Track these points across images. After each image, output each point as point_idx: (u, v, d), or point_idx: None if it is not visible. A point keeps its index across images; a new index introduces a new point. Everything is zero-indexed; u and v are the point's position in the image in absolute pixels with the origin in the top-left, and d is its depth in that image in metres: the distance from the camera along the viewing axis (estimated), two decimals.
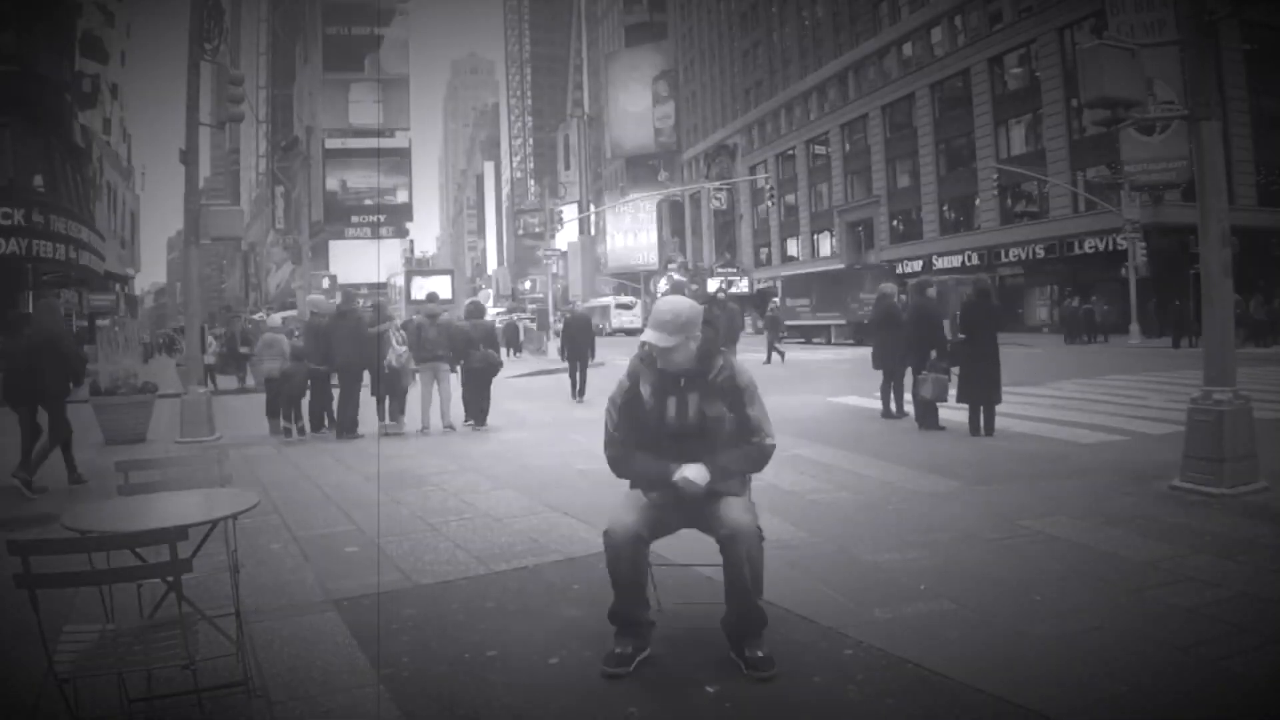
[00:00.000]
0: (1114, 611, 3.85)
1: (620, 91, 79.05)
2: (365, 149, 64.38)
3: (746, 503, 3.42)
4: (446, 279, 58.72)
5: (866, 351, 12.73)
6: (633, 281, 69.96)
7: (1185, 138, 27.85)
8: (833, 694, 3.13)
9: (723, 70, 68.03)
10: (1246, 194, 32.18)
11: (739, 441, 3.38)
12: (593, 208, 78.85)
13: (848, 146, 52.10)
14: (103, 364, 11.93)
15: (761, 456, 3.42)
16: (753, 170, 57.13)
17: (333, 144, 64.28)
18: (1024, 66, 38.64)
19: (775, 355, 22.96)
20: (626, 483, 3.61)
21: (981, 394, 9.09)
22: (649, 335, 3.32)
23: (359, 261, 65.44)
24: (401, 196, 64.16)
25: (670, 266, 67.74)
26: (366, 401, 10.81)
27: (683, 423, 3.36)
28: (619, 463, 3.47)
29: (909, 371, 10.41)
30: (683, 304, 3.39)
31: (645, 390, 3.36)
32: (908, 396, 10.48)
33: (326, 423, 10.94)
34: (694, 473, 3.28)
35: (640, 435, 3.40)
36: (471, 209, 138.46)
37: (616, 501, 3.49)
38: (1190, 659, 3.32)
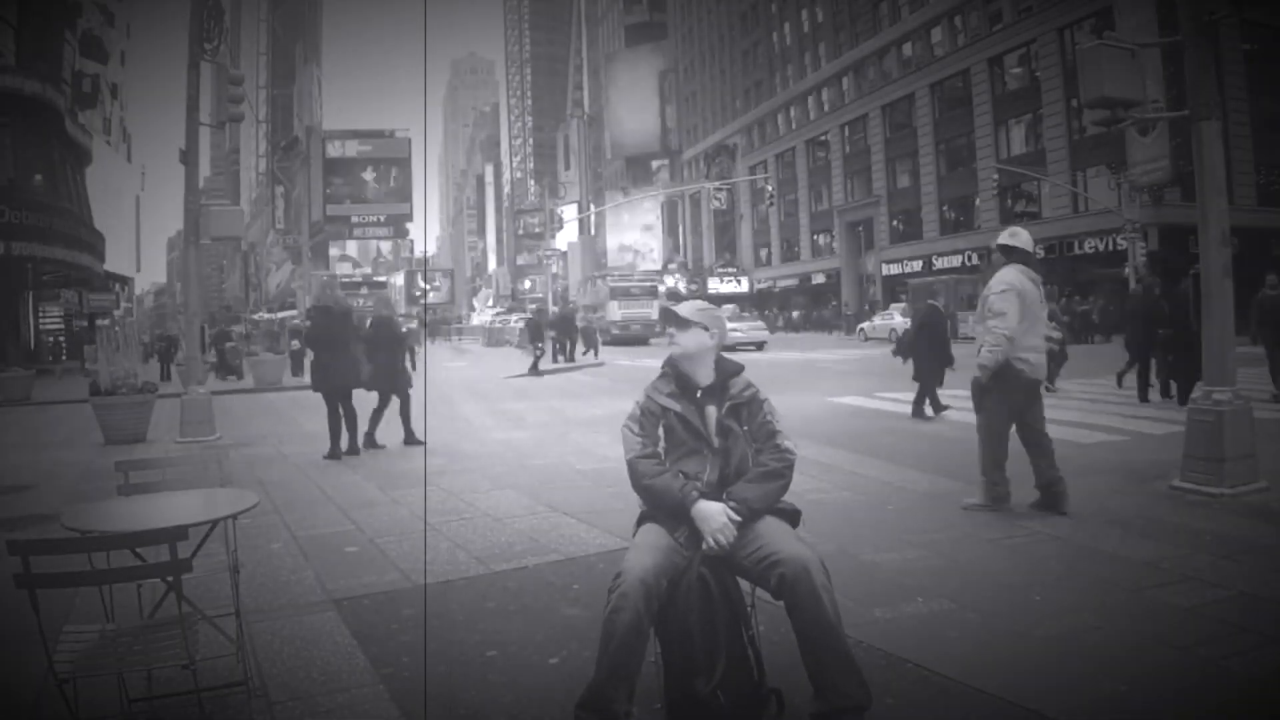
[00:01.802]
0: (1114, 611, 3.85)
1: (620, 91, 79.04)
2: (365, 147, 64.30)
3: (791, 529, 3.01)
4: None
5: (864, 353, 12.74)
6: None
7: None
8: None
9: (723, 70, 68.04)
10: (1246, 194, 32.21)
11: (760, 455, 3.10)
12: (593, 208, 78.84)
13: (848, 147, 52.15)
14: (103, 364, 11.94)
15: (786, 467, 3.07)
16: (753, 170, 57.16)
17: (334, 142, 64.29)
18: (1024, 66, 38.70)
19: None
20: (627, 484, 3.28)
21: None
22: (686, 311, 3.18)
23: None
24: (402, 205, 64.19)
25: (670, 266, 67.77)
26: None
27: (705, 434, 3.08)
28: (639, 475, 3.06)
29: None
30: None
31: (664, 401, 3.16)
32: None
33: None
34: (715, 513, 2.88)
35: (667, 449, 3.11)
36: (471, 209, 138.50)
37: (636, 540, 3.00)
38: (1190, 659, 3.32)
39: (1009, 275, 5.64)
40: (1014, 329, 5.47)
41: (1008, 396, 5.65)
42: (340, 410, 9.05)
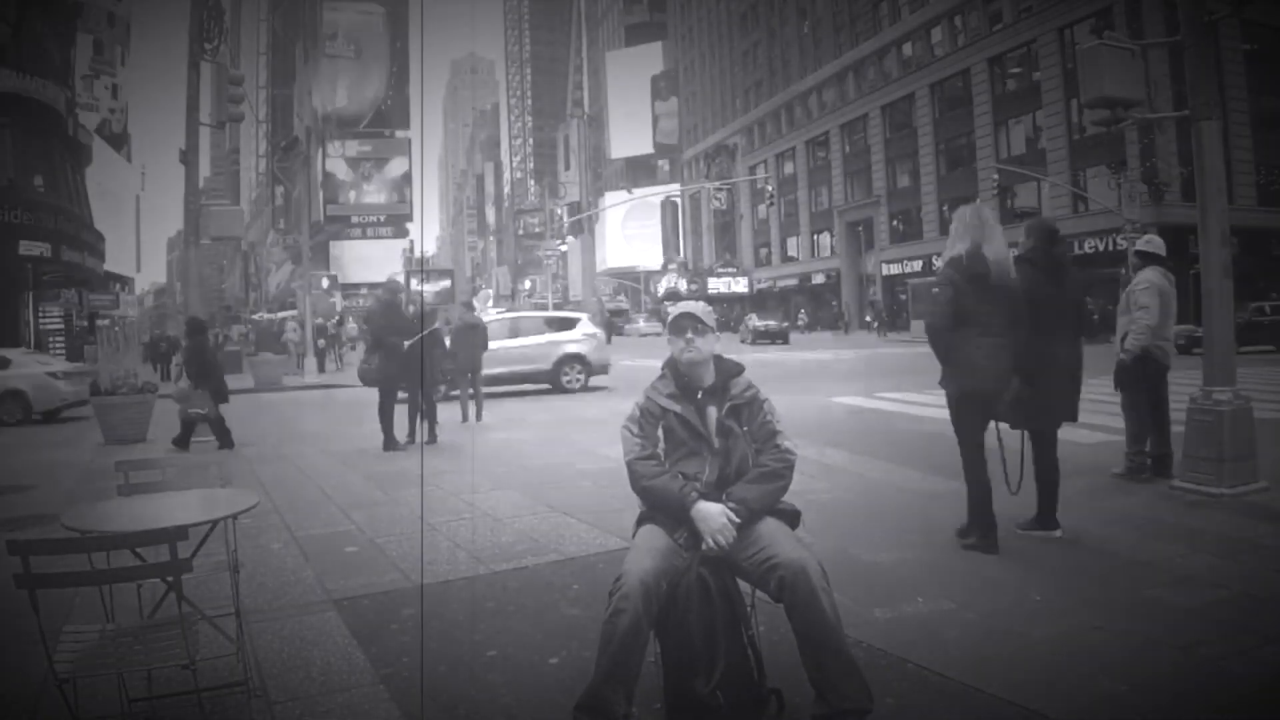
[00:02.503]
0: (1114, 611, 3.85)
1: (620, 91, 79.04)
2: (365, 147, 64.24)
3: (791, 531, 3.01)
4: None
5: (867, 353, 12.73)
6: (633, 282, 69.95)
7: (1174, 137, 27.94)
8: None
9: (723, 70, 68.05)
10: (1246, 194, 32.20)
11: (760, 456, 3.08)
12: (593, 208, 78.85)
13: (848, 147, 52.13)
14: (103, 364, 11.94)
15: (786, 468, 3.08)
16: (753, 170, 57.16)
17: (333, 143, 64.22)
18: (1024, 66, 38.68)
19: None
20: (627, 484, 3.25)
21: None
22: (693, 307, 3.16)
23: (359, 262, 65.37)
24: (402, 205, 64.01)
25: (670, 267, 67.78)
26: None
27: (705, 435, 3.08)
28: (638, 477, 3.06)
29: None
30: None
31: (664, 402, 3.14)
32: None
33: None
34: (715, 514, 2.89)
35: (667, 450, 3.11)
36: (471, 209, 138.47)
37: (636, 542, 3.00)
38: (1190, 659, 3.32)
39: (1150, 275, 6.51)
40: (1155, 320, 6.36)
41: (1147, 377, 6.52)
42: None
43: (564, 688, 3.13)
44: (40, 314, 31.17)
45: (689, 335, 3.10)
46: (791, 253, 59.75)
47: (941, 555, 4.79)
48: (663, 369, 3.23)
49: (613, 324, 45.39)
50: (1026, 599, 4.05)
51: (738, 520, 2.90)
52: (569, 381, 16.52)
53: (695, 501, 2.92)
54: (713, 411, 3.12)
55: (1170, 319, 6.59)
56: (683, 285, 62.33)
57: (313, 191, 63.36)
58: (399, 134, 65.08)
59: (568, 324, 17.75)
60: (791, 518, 3.08)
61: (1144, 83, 6.66)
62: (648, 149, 77.97)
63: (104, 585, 2.82)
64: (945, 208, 44.09)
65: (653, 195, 64.47)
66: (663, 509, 3.00)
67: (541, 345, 16.60)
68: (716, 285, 61.06)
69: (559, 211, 73.83)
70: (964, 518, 4.84)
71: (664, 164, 77.34)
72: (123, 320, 34.65)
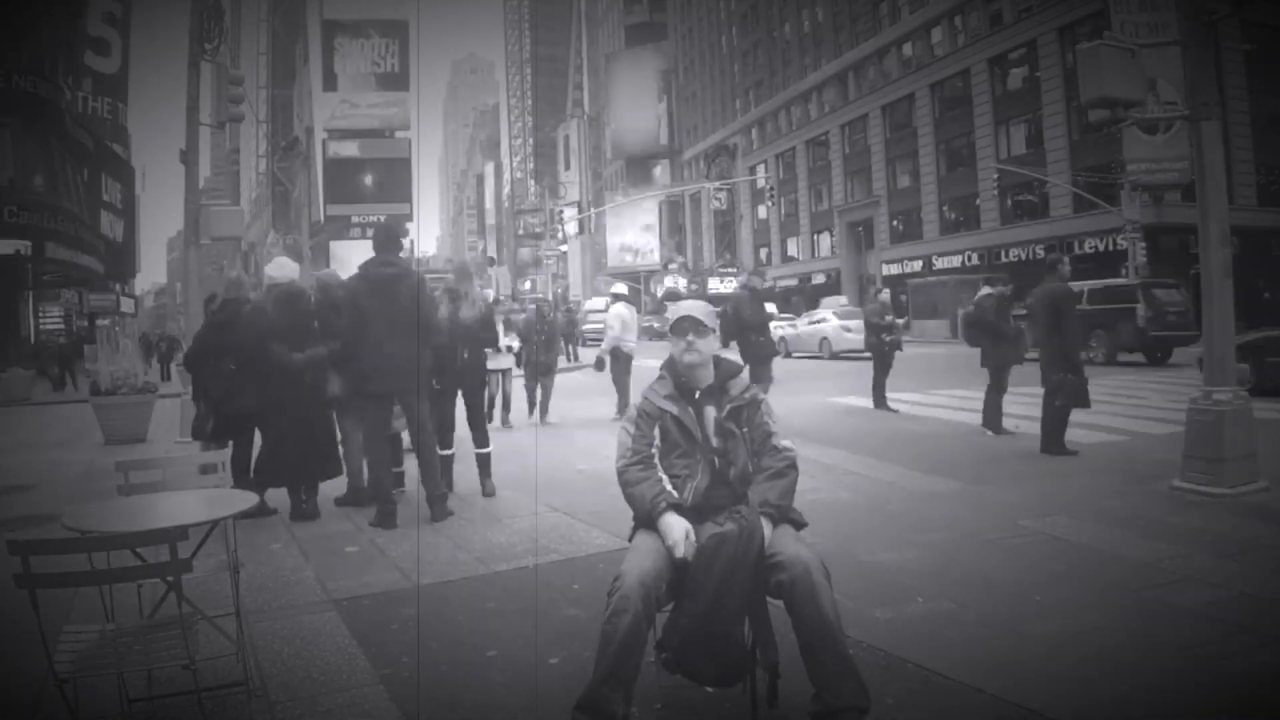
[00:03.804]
0: (1114, 611, 3.85)
1: (620, 91, 79.03)
2: (364, 148, 64.15)
3: (795, 531, 3.03)
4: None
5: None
6: (633, 281, 69.94)
7: (1187, 138, 27.88)
8: None
9: (723, 70, 68.04)
10: (1246, 194, 32.19)
11: (760, 458, 3.09)
12: (592, 208, 78.85)
13: (848, 147, 52.13)
14: (103, 364, 11.94)
15: (789, 466, 3.10)
16: (753, 170, 57.14)
17: (334, 142, 64.15)
18: (1024, 66, 38.69)
19: None
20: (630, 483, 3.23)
21: None
22: (694, 309, 3.14)
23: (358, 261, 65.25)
24: (403, 208, 63.93)
25: (670, 266, 67.76)
26: None
27: (699, 438, 3.07)
28: (624, 484, 3.09)
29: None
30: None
31: (661, 403, 3.14)
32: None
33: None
34: (674, 527, 2.88)
35: (662, 452, 3.11)
36: (471, 209, 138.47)
37: (634, 544, 3.00)
38: (1190, 659, 3.32)
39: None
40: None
41: None
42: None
43: (564, 688, 3.13)
44: (40, 314, 31.18)
45: (690, 337, 3.11)
46: (791, 253, 59.75)
47: (942, 555, 4.79)
48: (661, 370, 3.23)
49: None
50: (1026, 599, 4.05)
51: (764, 524, 2.87)
52: None
53: (662, 513, 2.92)
54: (710, 412, 3.12)
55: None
56: (682, 285, 62.32)
57: (313, 191, 63.31)
58: (399, 134, 65.03)
59: None
60: (798, 526, 3.09)
61: (1144, 82, 6.64)
62: (648, 148, 77.92)
63: (104, 585, 2.81)
64: (945, 208, 44.16)
65: (651, 196, 64.57)
66: (639, 516, 3.04)
67: None
68: (716, 285, 61.01)
69: (560, 211, 73.80)
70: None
71: (659, 166, 77.42)
72: (122, 320, 34.63)
